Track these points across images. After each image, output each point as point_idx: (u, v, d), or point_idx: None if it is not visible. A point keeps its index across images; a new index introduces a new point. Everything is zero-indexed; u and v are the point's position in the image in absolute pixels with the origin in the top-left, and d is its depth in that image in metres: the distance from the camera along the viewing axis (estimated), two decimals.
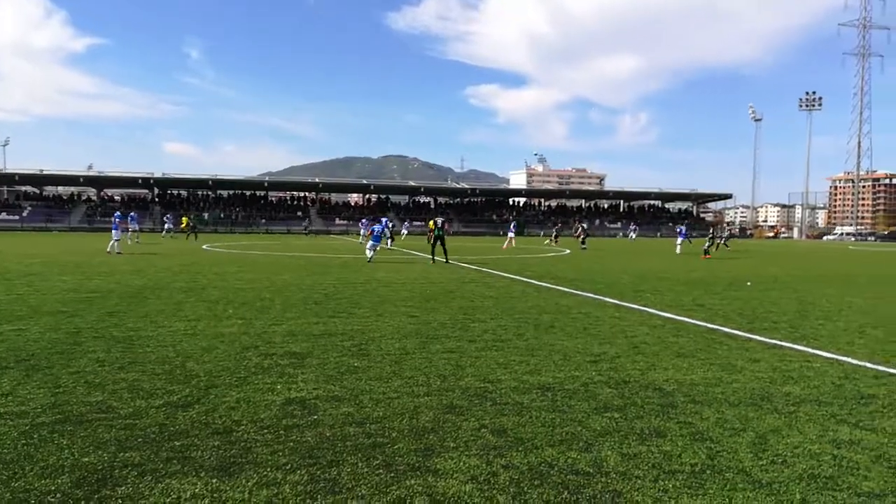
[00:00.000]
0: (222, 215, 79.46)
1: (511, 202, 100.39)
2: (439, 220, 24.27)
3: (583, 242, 39.43)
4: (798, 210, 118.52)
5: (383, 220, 27.07)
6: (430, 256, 23.85)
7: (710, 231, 36.32)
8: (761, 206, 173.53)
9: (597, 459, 4.15)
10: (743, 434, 4.67)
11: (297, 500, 3.49)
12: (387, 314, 10.17)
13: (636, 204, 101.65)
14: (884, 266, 26.93)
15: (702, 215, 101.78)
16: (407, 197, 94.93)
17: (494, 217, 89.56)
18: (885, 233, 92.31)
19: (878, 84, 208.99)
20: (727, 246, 40.02)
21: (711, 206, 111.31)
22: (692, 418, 5.02)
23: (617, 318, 10.19)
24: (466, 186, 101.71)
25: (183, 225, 47.87)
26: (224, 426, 4.64)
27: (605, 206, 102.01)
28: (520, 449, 4.32)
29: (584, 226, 44.96)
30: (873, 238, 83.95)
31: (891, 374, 6.65)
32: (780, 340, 8.50)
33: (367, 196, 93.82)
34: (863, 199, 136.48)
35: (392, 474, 3.86)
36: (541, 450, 4.31)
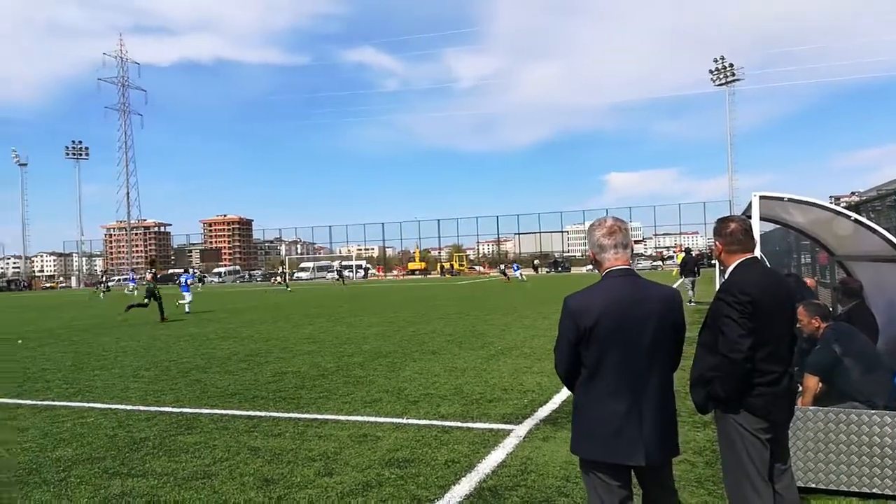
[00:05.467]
0: None
1: None
2: None
3: None
4: (76, 258, 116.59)
5: None
6: None
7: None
8: (36, 256, 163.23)
9: None
10: None
11: None
12: None
13: None
14: None
15: None
16: None
17: None
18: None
19: (141, 139, 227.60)
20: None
21: None
22: None
23: None
24: None
25: None
26: None
27: None
28: None
29: None
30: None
31: (162, 413, 7.07)
32: (54, 400, 7.98)
33: None
34: (136, 245, 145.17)
35: None
36: None
